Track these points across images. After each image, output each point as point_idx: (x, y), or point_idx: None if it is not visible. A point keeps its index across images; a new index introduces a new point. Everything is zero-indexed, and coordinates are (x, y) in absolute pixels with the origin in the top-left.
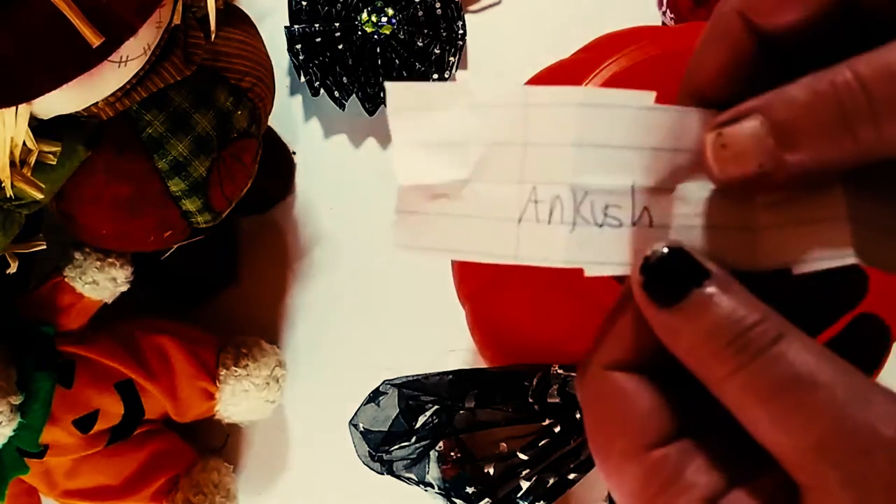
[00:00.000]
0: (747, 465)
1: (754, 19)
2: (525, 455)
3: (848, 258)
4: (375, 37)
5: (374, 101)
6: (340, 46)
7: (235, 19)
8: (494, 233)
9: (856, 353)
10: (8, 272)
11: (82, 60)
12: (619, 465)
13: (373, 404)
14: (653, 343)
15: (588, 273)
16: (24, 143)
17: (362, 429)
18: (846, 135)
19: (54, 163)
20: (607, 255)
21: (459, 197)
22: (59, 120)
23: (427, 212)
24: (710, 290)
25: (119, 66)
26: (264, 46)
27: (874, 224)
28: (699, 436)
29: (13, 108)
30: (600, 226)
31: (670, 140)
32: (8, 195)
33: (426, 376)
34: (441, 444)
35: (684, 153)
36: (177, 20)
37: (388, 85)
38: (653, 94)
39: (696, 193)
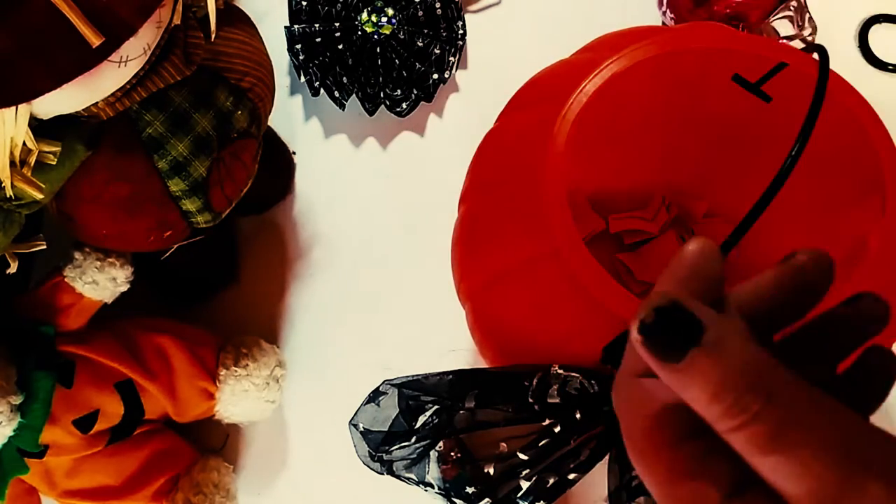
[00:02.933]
0: None
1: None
2: (525, 455)
3: None
4: (375, 37)
5: (374, 101)
6: (340, 46)
7: (235, 19)
8: None
9: (865, 384)
10: (8, 272)
11: (82, 60)
12: (651, 457)
13: (373, 404)
14: None
15: None
16: (24, 143)
17: (362, 429)
18: None
19: (54, 163)
20: None
21: None
22: (59, 120)
23: None
24: (708, 348)
25: (119, 66)
26: (264, 46)
27: None
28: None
29: (13, 108)
30: None
31: None
32: (8, 195)
33: (426, 376)
34: (441, 444)
35: None
36: (177, 20)
37: None
38: None
39: None
